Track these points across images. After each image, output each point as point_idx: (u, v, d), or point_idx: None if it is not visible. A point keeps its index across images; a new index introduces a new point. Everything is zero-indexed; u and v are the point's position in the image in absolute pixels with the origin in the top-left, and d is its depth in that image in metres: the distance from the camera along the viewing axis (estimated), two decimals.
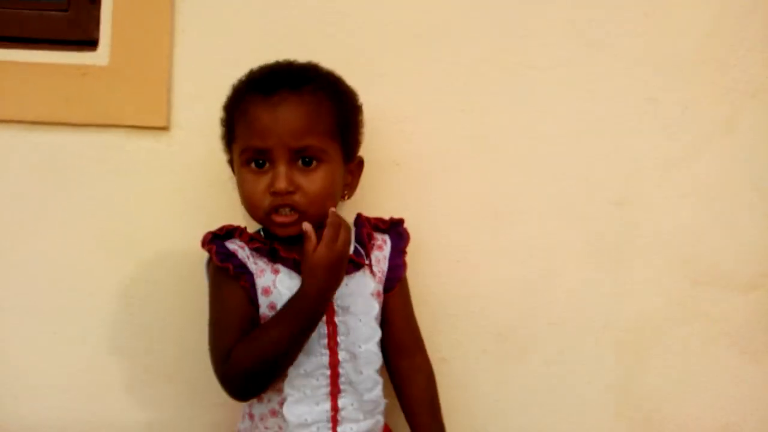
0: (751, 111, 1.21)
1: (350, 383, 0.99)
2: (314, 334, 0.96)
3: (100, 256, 1.18)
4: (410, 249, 1.10)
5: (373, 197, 1.17)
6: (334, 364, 0.98)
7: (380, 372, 1.02)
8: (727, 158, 1.21)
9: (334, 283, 0.92)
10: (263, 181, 0.96)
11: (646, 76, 1.20)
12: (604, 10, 1.19)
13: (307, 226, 0.91)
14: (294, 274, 0.97)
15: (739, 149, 1.21)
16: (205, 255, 1.02)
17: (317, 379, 0.97)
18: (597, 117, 1.20)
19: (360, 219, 1.07)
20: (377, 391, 1.01)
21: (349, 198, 1.05)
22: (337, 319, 0.99)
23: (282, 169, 0.94)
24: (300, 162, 0.95)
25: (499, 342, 1.21)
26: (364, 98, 1.10)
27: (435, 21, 1.19)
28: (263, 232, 1.03)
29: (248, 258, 0.98)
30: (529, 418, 1.22)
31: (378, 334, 1.01)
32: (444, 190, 1.20)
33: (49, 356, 1.19)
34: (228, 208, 1.13)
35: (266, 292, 0.97)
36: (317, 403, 0.97)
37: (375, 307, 1.01)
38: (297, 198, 0.95)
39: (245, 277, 0.97)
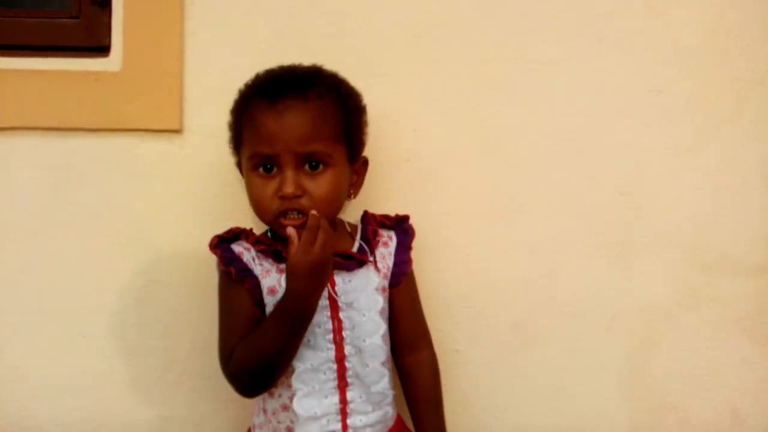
0: (756, 99, 1.22)
1: (357, 376, 1.01)
2: (320, 330, 0.99)
3: (114, 257, 1.20)
4: (424, 243, 1.12)
5: (385, 194, 1.19)
6: (340, 359, 1.00)
7: (386, 364, 1.04)
8: (733, 147, 1.22)
9: (316, 285, 0.92)
10: (271, 186, 0.97)
11: (651, 68, 1.21)
12: (608, 5, 1.20)
13: (290, 230, 0.92)
14: None
15: (744, 138, 1.22)
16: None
17: (324, 373, 1.00)
18: (603, 110, 1.21)
19: (366, 216, 1.09)
20: (384, 383, 1.03)
21: (354, 197, 1.06)
22: (341, 315, 1.01)
23: (289, 174, 0.96)
24: (307, 166, 0.97)
25: (512, 333, 1.22)
26: (375, 97, 1.11)
27: (443, 20, 1.20)
28: (270, 233, 1.04)
29: (254, 259, 1.01)
30: (543, 406, 1.23)
31: (382, 327, 1.03)
32: (456, 185, 1.21)
33: (68, 356, 1.21)
34: (238, 210, 1.15)
35: (272, 291, 1.00)
36: (326, 397, 0.99)
37: (379, 302, 1.03)
38: (304, 201, 0.96)
39: (249, 279, 1.00)
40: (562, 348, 1.23)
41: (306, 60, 1.07)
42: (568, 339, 1.23)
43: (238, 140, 1.03)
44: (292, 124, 0.95)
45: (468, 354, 1.22)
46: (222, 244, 1.02)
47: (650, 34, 1.20)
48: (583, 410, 1.24)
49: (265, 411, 1.03)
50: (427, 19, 1.20)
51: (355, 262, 1.02)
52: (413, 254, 1.10)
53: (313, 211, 0.93)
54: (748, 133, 1.22)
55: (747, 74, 1.21)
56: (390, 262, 1.06)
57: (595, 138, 1.21)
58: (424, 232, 1.16)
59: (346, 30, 1.19)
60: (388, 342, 1.05)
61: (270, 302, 0.99)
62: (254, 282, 1.00)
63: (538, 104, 1.21)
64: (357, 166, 1.05)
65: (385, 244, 1.07)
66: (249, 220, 1.10)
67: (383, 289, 1.04)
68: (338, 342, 1.00)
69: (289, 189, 0.95)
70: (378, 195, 1.18)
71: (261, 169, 0.98)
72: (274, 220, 0.98)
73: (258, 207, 1.00)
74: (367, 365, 1.01)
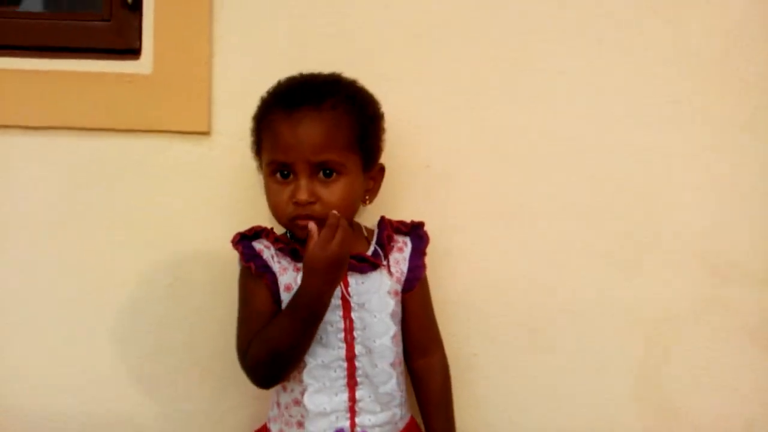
0: None
1: (366, 376, 1.04)
2: (332, 328, 1.02)
3: (142, 255, 1.23)
4: (442, 248, 1.14)
5: (404, 199, 1.21)
6: (350, 357, 1.03)
7: (397, 367, 1.06)
8: (746, 156, 1.23)
9: (330, 280, 0.95)
10: (287, 191, 1.01)
11: (670, 79, 1.22)
12: (627, 15, 1.21)
13: (311, 225, 0.96)
14: None
15: (757, 146, 1.23)
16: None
17: (335, 371, 1.03)
18: (619, 117, 1.22)
19: (383, 222, 1.12)
20: (392, 384, 1.05)
21: (370, 203, 1.09)
22: (353, 315, 1.04)
23: (303, 181, 0.99)
24: (321, 174, 1.00)
25: (527, 338, 1.24)
26: (395, 104, 1.14)
27: (465, 27, 1.22)
28: (289, 233, 1.08)
29: (273, 257, 1.05)
30: (557, 410, 1.25)
31: (392, 329, 1.05)
32: (473, 190, 1.23)
33: (97, 351, 1.24)
34: (263, 209, 1.14)
35: (288, 288, 1.03)
36: (336, 394, 1.03)
37: (390, 304, 1.06)
38: (317, 208, 1.00)
39: (267, 276, 1.03)
40: (576, 353, 1.24)
41: (331, 65, 1.09)
42: (582, 344, 1.24)
43: (258, 146, 1.07)
44: (306, 134, 0.99)
45: (484, 358, 1.24)
46: (243, 241, 1.06)
47: (667, 45, 1.22)
48: (595, 415, 1.25)
49: (278, 405, 1.07)
50: (447, 26, 1.22)
51: (368, 264, 1.05)
52: (430, 259, 1.12)
53: (334, 211, 0.96)
54: (761, 141, 1.23)
55: (761, 83, 1.21)
56: (404, 267, 1.09)
57: (614, 146, 1.23)
58: (442, 237, 1.19)
59: (370, 37, 1.21)
60: (399, 345, 1.08)
61: (286, 299, 1.02)
62: (272, 278, 1.04)
63: (558, 111, 1.22)
64: (373, 172, 1.08)
65: (400, 250, 1.10)
66: (272, 220, 1.13)
67: (395, 293, 1.07)
68: (349, 341, 1.03)
69: (302, 196, 0.99)
70: (397, 200, 1.21)
71: (278, 175, 1.02)
72: (288, 223, 1.02)
73: (274, 211, 1.04)
74: (376, 365, 1.04)
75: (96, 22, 1.23)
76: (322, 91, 1.01)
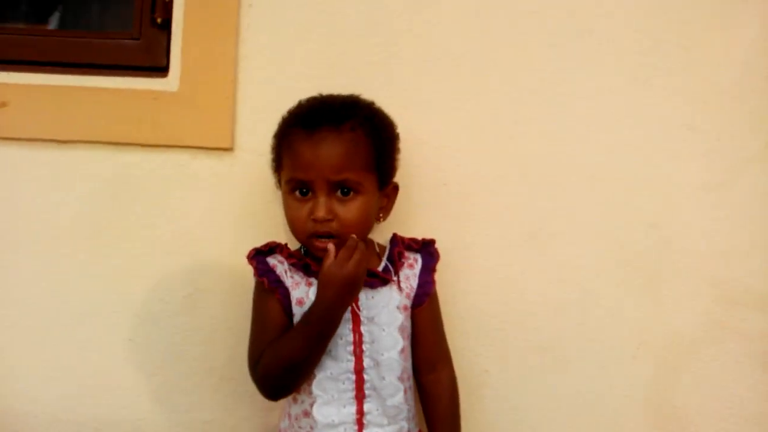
0: None
1: (374, 389, 1.06)
2: (341, 341, 1.05)
3: (163, 266, 1.26)
4: (458, 266, 1.16)
5: (421, 216, 1.24)
6: (359, 370, 1.05)
7: (405, 381, 1.08)
8: (761, 184, 1.24)
9: (344, 298, 0.99)
10: (306, 208, 1.04)
11: (684, 106, 1.24)
12: (646, 44, 1.24)
13: (330, 246, 1.00)
14: None
15: None
16: None
17: (343, 383, 1.05)
18: (637, 144, 1.24)
19: (395, 238, 1.15)
20: (399, 397, 1.07)
21: (384, 220, 1.12)
22: (363, 328, 1.06)
23: (322, 199, 1.02)
24: (338, 192, 1.03)
25: (540, 357, 1.25)
26: (416, 124, 1.18)
27: (482, 50, 1.25)
28: (303, 249, 1.11)
29: (286, 272, 1.08)
30: (568, 429, 1.25)
31: (400, 343, 1.07)
32: (491, 211, 1.25)
33: (115, 358, 1.26)
34: (282, 224, 1.19)
35: (300, 302, 1.06)
36: (344, 406, 1.05)
37: (399, 319, 1.08)
38: (335, 225, 1.03)
39: (280, 290, 1.06)
40: (589, 374, 1.25)
41: (352, 85, 1.13)
42: (594, 365, 1.25)
43: (278, 163, 1.10)
44: (326, 154, 1.02)
45: (496, 375, 1.25)
46: (258, 256, 1.09)
47: (685, 75, 1.24)
48: None
49: (289, 416, 1.09)
50: (470, 51, 1.25)
51: (379, 280, 1.08)
52: (444, 276, 1.15)
53: (353, 235, 1.01)
54: None
55: None
56: (414, 283, 1.11)
57: (628, 171, 1.24)
58: (457, 255, 1.22)
59: (391, 58, 1.24)
60: (408, 359, 1.10)
61: (298, 312, 1.05)
62: (284, 293, 1.07)
63: (572, 137, 1.25)
64: (387, 191, 1.11)
65: (411, 266, 1.12)
66: (289, 235, 1.14)
67: (405, 308, 1.09)
68: (358, 354, 1.05)
69: (321, 213, 1.02)
70: (414, 217, 1.23)
71: (297, 193, 1.05)
72: (306, 239, 1.05)
73: (293, 226, 1.07)
74: (384, 378, 1.06)
75: (126, 41, 1.28)
76: (342, 113, 1.04)
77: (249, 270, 1.09)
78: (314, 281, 1.05)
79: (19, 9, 1.46)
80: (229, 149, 1.24)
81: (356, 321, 1.06)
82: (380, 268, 1.09)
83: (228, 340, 1.25)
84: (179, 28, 1.24)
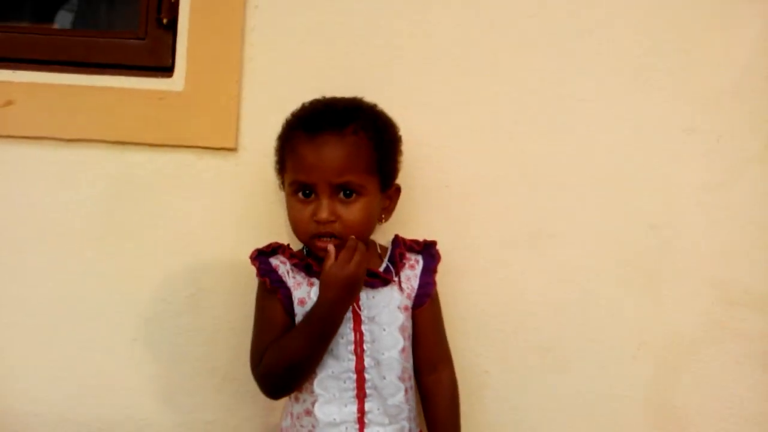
0: None
1: (375, 388, 1.06)
2: (342, 340, 1.06)
3: (167, 265, 1.26)
4: (459, 267, 1.17)
5: (424, 217, 1.24)
6: (360, 369, 1.06)
7: (406, 381, 1.09)
8: (761, 184, 1.25)
9: (345, 298, 1.01)
10: (308, 210, 1.05)
11: (684, 108, 1.24)
12: (646, 45, 1.25)
13: (330, 247, 1.02)
14: None
15: None
16: None
17: (344, 382, 1.06)
18: (637, 144, 1.25)
19: (396, 240, 1.16)
20: (399, 397, 1.07)
21: (386, 221, 1.13)
22: (363, 328, 1.07)
23: (325, 201, 1.04)
24: (341, 194, 1.04)
25: (541, 357, 1.25)
26: (419, 125, 1.19)
27: (485, 53, 1.25)
28: (306, 249, 1.12)
29: (288, 272, 1.09)
30: (568, 429, 1.26)
31: (401, 343, 1.08)
32: (492, 211, 1.25)
33: (119, 358, 1.27)
34: (285, 224, 1.19)
35: (302, 302, 1.07)
36: (345, 405, 1.06)
37: (400, 318, 1.09)
38: (337, 226, 1.04)
39: (281, 290, 1.08)
40: (589, 374, 1.25)
41: (355, 86, 1.13)
42: (595, 365, 1.25)
43: (282, 165, 1.11)
44: (328, 157, 1.03)
45: (497, 376, 1.25)
46: (260, 256, 1.10)
47: (684, 76, 1.24)
48: None
49: (291, 415, 1.10)
50: (471, 53, 1.25)
51: (380, 280, 1.09)
52: (445, 277, 1.16)
53: (353, 236, 1.02)
54: None
55: None
56: (415, 283, 1.12)
57: (629, 172, 1.25)
58: (458, 255, 1.22)
59: (394, 60, 1.25)
60: (409, 360, 1.10)
61: (299, 312, 1.07)
62: (286, 293, 1.08)
63: (573, 138, 1.25)
64: (389, 192, 1.12)
65: (412, 267, 1.13)
66: (291, 235, 1.15)
67: (405, 308, 1.10)
68: (359, 353, 1.06)
69: (323, 215, 1.03)
70: (416, 218, 1.24)
71: (300, 194, 1.06)
72: (309, 240, 1.07)
73: (296, 227, 1.08)
74: (385, 377, 1.07)
75: (132, 41, 1.28)
76: (345, 116, 1.06)
77: (252, 270, 1.10)
78: (316, 281, 1.07)
79: (24, 8, 1.47)
80: (233, 149, 1.25)
81: (357, 320, 1.07)
82: (381, 269, 1.11)
83: (231, 341, 1.25)
84: (185, 29, 1.24)
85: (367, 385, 1.06)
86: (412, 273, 1.13)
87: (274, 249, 1.12)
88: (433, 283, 1.14)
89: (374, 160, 1.06)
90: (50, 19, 1.51)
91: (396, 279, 1.10)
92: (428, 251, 1.16)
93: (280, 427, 1.13)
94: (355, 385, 1.06)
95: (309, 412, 1.06)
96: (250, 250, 1.11)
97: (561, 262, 1.25)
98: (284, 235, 1.20)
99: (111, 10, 1.45)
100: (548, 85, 1.25)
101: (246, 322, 1.15)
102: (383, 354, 1.07)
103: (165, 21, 1.26)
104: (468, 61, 1.25)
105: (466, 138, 1.25)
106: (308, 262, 1.08)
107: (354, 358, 1.06)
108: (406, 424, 1.09)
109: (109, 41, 1.29)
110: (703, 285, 1.25)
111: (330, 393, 1.06)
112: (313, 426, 1.06)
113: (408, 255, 1.14)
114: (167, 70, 1.26)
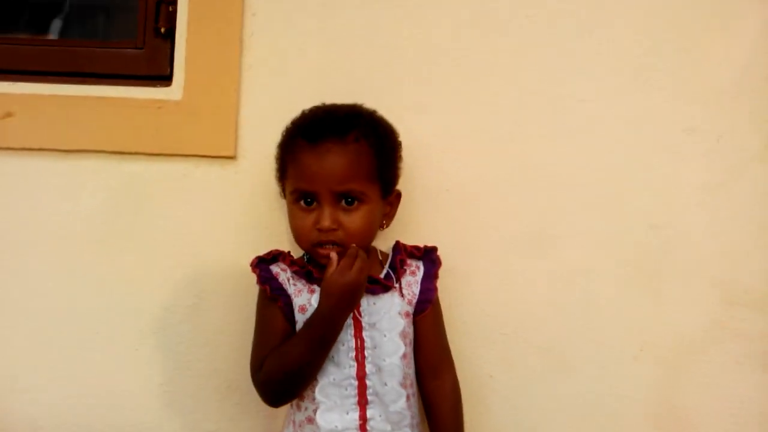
0: None
1: (377, 395, 1.06)
2: (343, 347, 1.06)
3: (168, 274, 1.26)
4: (462, 270, 1.17)
5: (424, 222, 1.24)
6: (361, 376, 1.06)
7: (408, 388, 1.09)
8: (762, 184, 1.24)
9: (346, 304, 1.01)
10: (310, 218, 1.05)
11: (685, 108, 1.24)
12: (646, 45, 1.24)
13: (333, 254, 1.02)
14: None
15: None
16: None
17: (346, 389, 1.06)
18: (637, 144, 1.25)
19: (397, 246, 1.16)
20: (401, 403, 1.07)
21: (387, 226, 1.14)
22: (364, 334, 1.07)
23: (327, 210, 1.04)
24: (343, 202, 1.05)
25: (543, 360, 1.25)
26: (418, 129, 1.19)
27: (484, 56, 1.25)
28: (306, 256, 1.12)
29: (289, 280, 1.09)
30: (573, 431, 1.25)
31: (402, 349, 1.08)
32: (493, 214, 1.25)
33: (121, 368, 1.27)
34: (285, 231, 1.20)
35: (302, 309, 1.07)
36: (347, 412, 1.05)
37: (401, 324, 1.09)
38: (339, 234, 1.04)
39: (282, 298, 1.08)
40: (591, 375, 1.25)
41: (354, 91, 1.14)
42: (597, 367, 1.25)
43: (282, 173, 1.11)
44: (330, 165, 1.03)
45: (500, 379, 1.25)
46: (261, 264, 1.11)
47: (684, 76, 1.24)
48: None
49: (294, 423, 1.10)
50: (470, 55, 1.25)
51: (380, 286, 1.09)
52: (447, 281, 1.16)
53: (353, 245, 1.03)
54: None
55: None
56: (416, 289, 1.12)
57: (630, 172, 1.25)
58: (460, 259, 1.22)
59: (393, 64, 1.25)
60: (410, 366, 1.11)
61: (300, 320, 1.07)
62: (287, 300, 1.08)
63: (573, 138, 1.25)
64: (390, 198, 1.12)
65: (413, 273, 1.14)
66: (292, 243, 1.15)
67: (406, 314, 1.10)
68: (360, 360, 1.06)
69: (326, 223, 1.03)
70: (417, 222, 1.24)
71: (302, 203, 1.06)
72: (311, 248, 1.07)
73: (298, 235, 1.08)
74: (386, 384, 1.07)
75: (130, 50, 1.28)
76: (346, 124, 1.05)
77: (253, 277, 1.10)
78: (317, 288, 1.07)
79: (20, 19, 1.46)
80: (232, 158, 1.25)
81: (358, 327, 1.07)
82: (382, 275, 1.11)
83: (233, 349, 1.25)
84: (183, 37, 1.24)
85: (369, 391, 1.06)
86: (413, 279, 1.13)
87: (275, 256, 1.12)
88: (434, 289, 1.14)
89: (375, 167, 1.06)
90: (45, 30, 1.50)
91: (396, 285, 1.10)
92: (429, 257, 1.16)
93: None
94: (356, 392, 1.06)
95: (311, 420, 1.06)
96: (250, 258, 1.11)
97: (562, 263, 1.25)
98: (285, 243, 1.20)
99: (108, 20, 1.45)
100: (548, 86, 1.25)
101: (247, 331, 1.15)
102: (384, 360, 1.07)
103: (163, 30, 1.26)
104: (467, 63, 1.25)
105: (466, 140, 1.25)
106: (309, 269, 1.08)
107: (355, 364, 1.06)
108: (408, 430, 1.09)
109: (107, 51, 1.29)
110: (704, 285, 1.25)
111: (331, 400, 1.06)
112: None
113: (409, 261, 1.14)
114: (166, 78, 1.26)
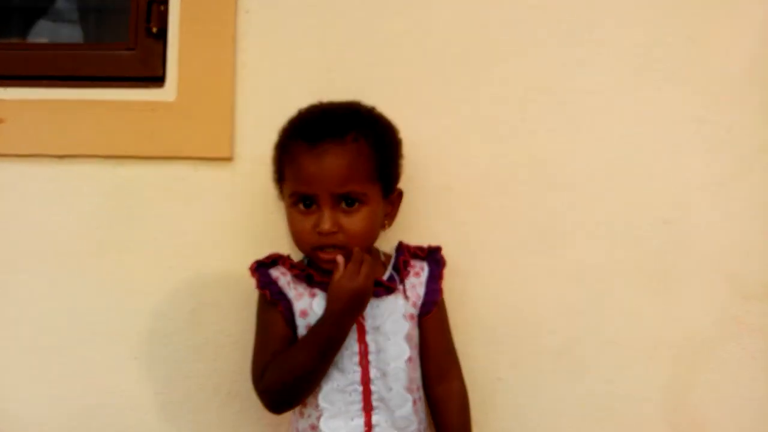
0: None
1: (382, 400, 1.04)
2: (347, 352, 1.03)
3: (166, 280, 1.24)
4: (468, 270, 1.15)
5: (428, 221, 1.22)
6: (366, 381, 1.04)
7: (414, 392, 1.06)
8: None
9: (353, 310, 0.99)
10: (310, 221, 1.03)
11: (693, 99, 1.22)
12: (652, 36, 1.22)
13: (339, 258, 1.00)
14: None
15: None
16: None
17: (350, 395, 1.04)
18: (646, 139, 1.23)
19: (400, 247, 1.13)
20: (407, 408, 1.05)
21: (389, 227, 1.11)
22: (368, 338, 1.05)
23: (327, 212, 1.01)
24: (343, 203, 1.02)
25: (555, 361, 1.23)
26: (421, 125, 1.17)
27: (485, 51, 1.23)
28: (307, 260, 1.10)
29: (289, 284, 1.07)
30: None
31: (407, 352, 1.06)
32: (500, 212, 1.23)
33: (120, 377, 1.25)
34: (285, 234, 1.17)
35: (303, 314, 1.05)
36: (352, 419, 1.03)
37: (405, 327, 1.07)
38: (340, 237, 1.02)
39: (282, 302, 1.06)
40: (605, 377, 1.23)
41: (351, 89, 1.12)
42: (610, 367, 1.23)
43: (280, 175, 1.09)
44: (330, 167, 1.01)
45: (510, 382, 1.23)
46: (260, 268, 1.09)
47: (693, 67, 1.22)
48: None
49: (297, 430, 1.08)
50: (473, 49, 1.23)
51: (383, 289, 1.07)
52: (452, 282, 1.14)
53: (357, 248, 1.00)
54: None
55: None
56: (421, 291, 1.10)
57: (638, 166, 1.23)
58: (464, 259, 1.20)
59: (391, 61, 1.23)
60: (416, 370, 1.09)
61: (301, 324, 1.05)
62: (287, 305, 1.06)
63: (584, 133, 1.23)
64: (392, 198, 1.10)
65: (417, 274, 1.11)
66: (292, 246, 1.13)
67: (411, 317, 1.08)
68: (364, 365, 1.04)
69: (326, 226, 1.01)
70: (418, 222, 1.21)
71: (301, 205, 1.04)
72: (311, 252, 1.05)
73: (297, 239, 1.06)
74: (392, 389, 1.05)
75: (122, 51, 1.27)
76: (345, 124, 1.03)
77: (252, 281, 1.08)
78: (317, 292, 1.05)
79: (9, 23, 1.45)
80: (229, 159, 1.23)
81: (361, 331, 1.05)
82: (385, 277, 1.08)
83: (233, 356, 1.23)
84: (175, 37, 1.23)
85: (374, 397, 1.04)
86: (417, 280, 1.11)
87: (274, 260, 1.10)
88: (440, 290, 1.12)
89: (376, 167, 1.04)
90: (23, 33, 1.47)
91: (400, 287, 1.08)
92: (433, 257, 1.13)
93: None
94: (361, 397, 1.03)
95: (314, 427, 1.04)
96: (249, 262, 1.09)
97: (571, 261, 1.23)
98: (284, 245, 1.18)
99: (99, 22, 1.43)
100: (554, 79, 1.23)
101: (248, 336, 1.13)
102: (389, 364, 1.05)
103: (155, 30, 1.24)
104: (469, 57, 1.23)
105: (469, 137, 1.23)
106: (309, 273, 1.06)
107: (359, 369, 1.04)
108: None
109: (98, 53, 1.28)
110: (718, 280, 1.23)
111: (336, 407, 1.03)
112: None
113: (412, 262, 1.12)
114: (158, 80, 1.24)
